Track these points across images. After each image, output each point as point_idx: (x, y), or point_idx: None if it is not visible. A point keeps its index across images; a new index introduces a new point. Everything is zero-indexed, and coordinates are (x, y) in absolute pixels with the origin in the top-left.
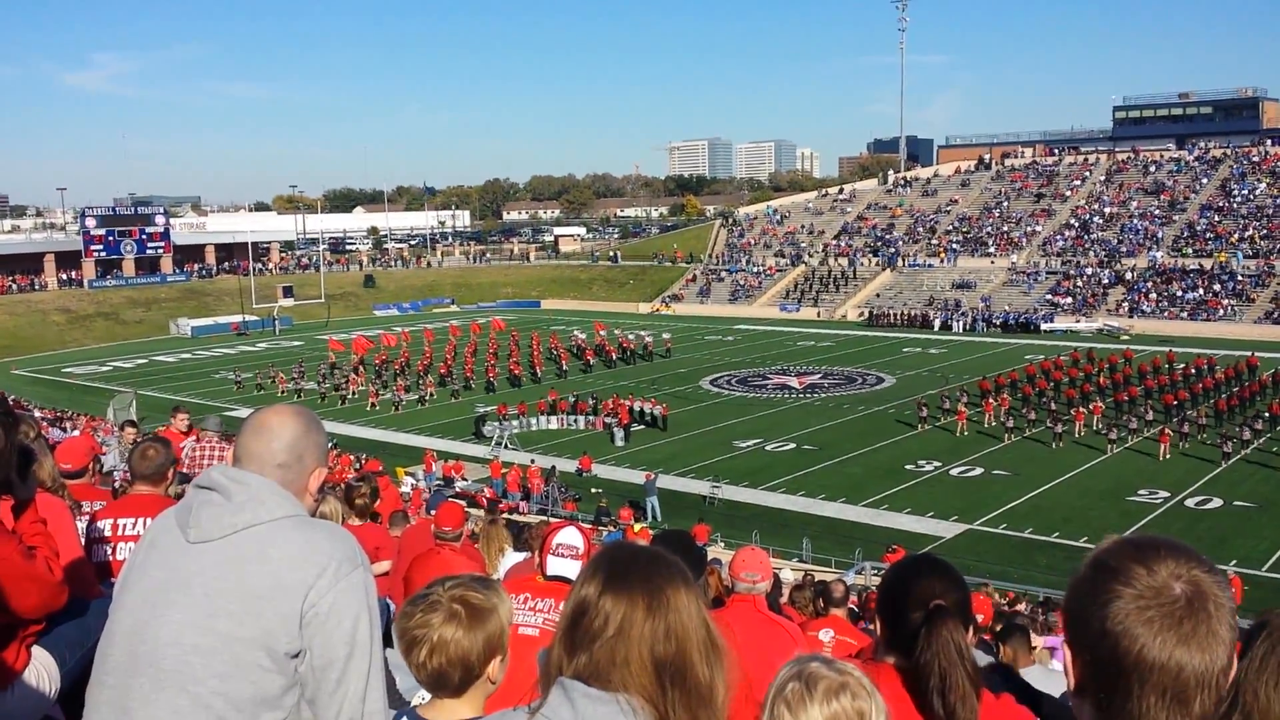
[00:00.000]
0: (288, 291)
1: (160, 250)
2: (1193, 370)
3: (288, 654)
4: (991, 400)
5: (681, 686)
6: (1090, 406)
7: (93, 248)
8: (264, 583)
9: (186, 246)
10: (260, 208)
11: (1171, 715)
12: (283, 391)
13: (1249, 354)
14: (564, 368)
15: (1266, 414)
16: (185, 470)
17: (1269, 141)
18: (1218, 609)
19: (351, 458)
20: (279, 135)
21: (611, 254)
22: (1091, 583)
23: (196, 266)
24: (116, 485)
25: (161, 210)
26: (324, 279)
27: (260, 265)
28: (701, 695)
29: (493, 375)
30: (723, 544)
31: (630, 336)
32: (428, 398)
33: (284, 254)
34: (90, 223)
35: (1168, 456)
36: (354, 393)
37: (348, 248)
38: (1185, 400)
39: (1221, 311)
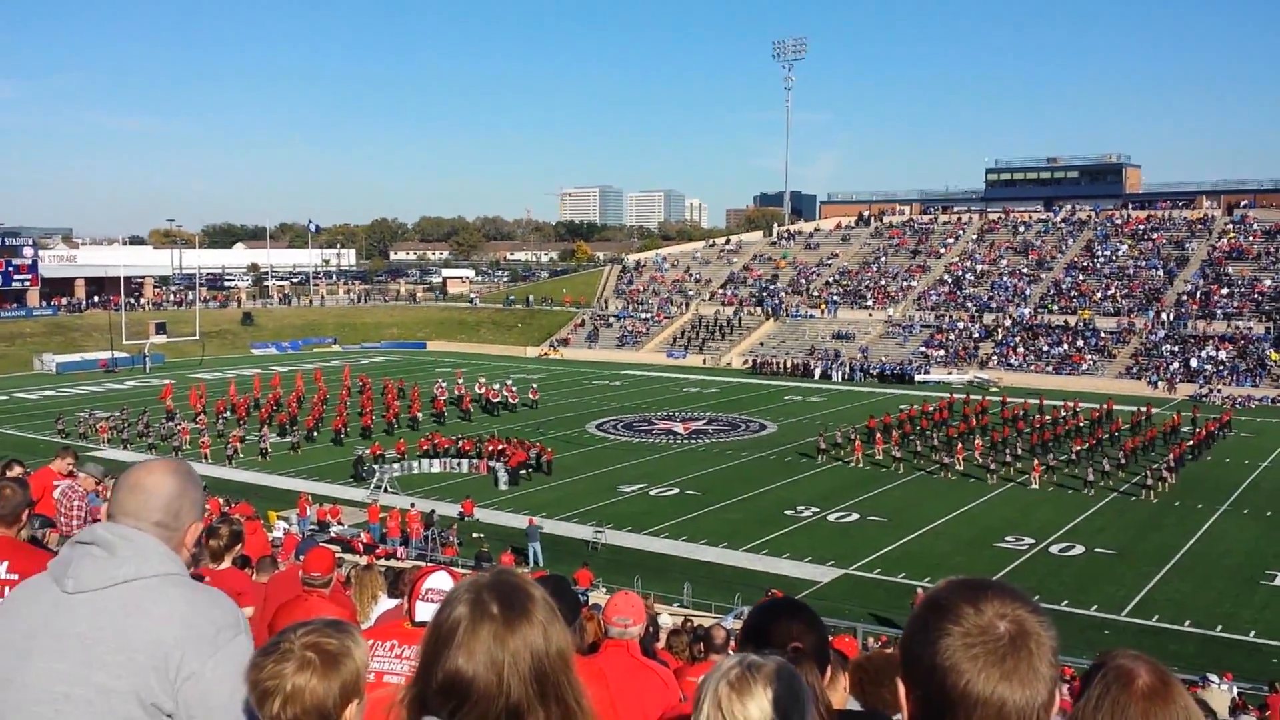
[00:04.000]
0: (160, 328)
1: (27, 283)
2: (1060, 414)
3: (159, 709)
4: (881, 436)
5: (560, 704)
6: (972, 443)
7: None
8: (142, 637)
9: (55, 279)
10: (135, 241)
11: None
12: (106, 440)
13: (1105, 401)
14: (418, 418)
15: (1122, 452)
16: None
17: (1130, 205)
18: (1039, 647)
19: (220, 501)
20: (158, 168)
21: (528, 297)
22: (924, 621)
23: (65, 300)
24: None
25: (30, 241)
26: (199, 315)
27: (133, 300)
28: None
29: (339, 426)
30: (604, 589)
31: (495, 386)
32: (266, 450)
33: (158, 289)
34: None
35: (1036, 486)
36: (185, 442)
37: (226, 284)
38: (1049, 440)
39: (1085, 366)
